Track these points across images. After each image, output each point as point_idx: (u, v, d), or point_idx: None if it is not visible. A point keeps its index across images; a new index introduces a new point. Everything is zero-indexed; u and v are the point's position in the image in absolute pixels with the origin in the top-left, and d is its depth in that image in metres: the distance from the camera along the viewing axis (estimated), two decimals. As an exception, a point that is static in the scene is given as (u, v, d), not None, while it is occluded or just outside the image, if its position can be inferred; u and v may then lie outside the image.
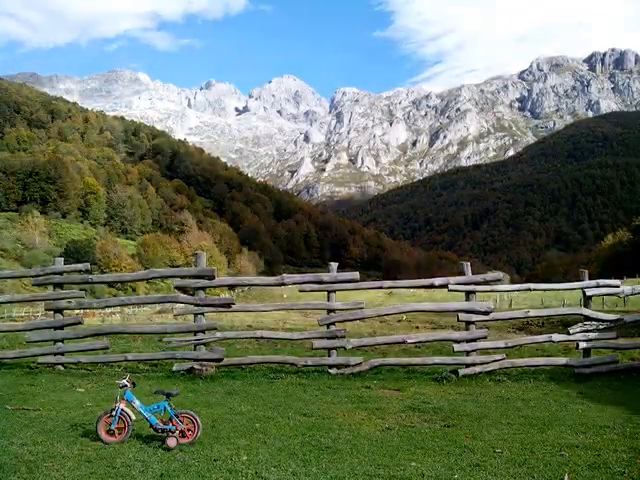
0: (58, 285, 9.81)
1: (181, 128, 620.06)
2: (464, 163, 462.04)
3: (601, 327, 9.72)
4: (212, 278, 9.57)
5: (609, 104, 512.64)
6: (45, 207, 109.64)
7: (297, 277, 10.14)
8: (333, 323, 9.63)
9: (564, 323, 18.85)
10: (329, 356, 9.58)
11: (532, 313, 10.34)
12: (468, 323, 9.59)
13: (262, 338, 11.18)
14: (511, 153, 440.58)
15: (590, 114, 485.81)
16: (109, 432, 5.58)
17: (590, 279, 10.10)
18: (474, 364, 9.37)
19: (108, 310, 37.53)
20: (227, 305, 9.69)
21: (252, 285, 10.96)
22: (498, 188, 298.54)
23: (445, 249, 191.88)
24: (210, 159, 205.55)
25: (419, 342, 10.53)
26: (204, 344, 9.53)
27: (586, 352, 9.66)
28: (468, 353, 9.50)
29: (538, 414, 7.07)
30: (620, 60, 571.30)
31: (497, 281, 10.99)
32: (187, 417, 5.62)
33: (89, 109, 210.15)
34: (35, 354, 9.78)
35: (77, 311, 12.47)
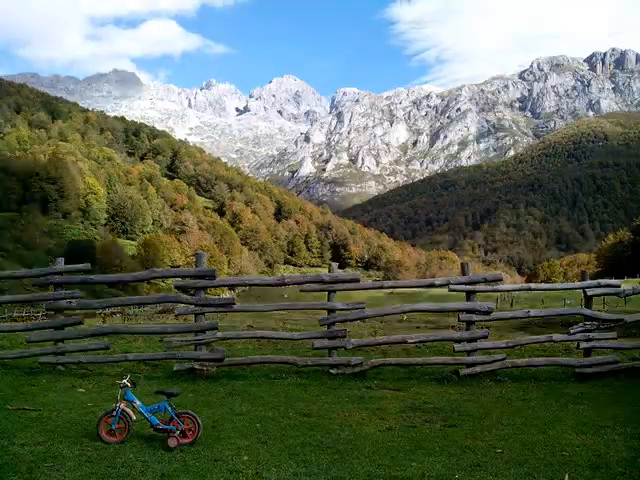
0: (59, 285, 9.81)
1: (181, 128, 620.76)
2: (465, 163, 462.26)
3: (602, 327, 9.71)
4: (213, 278, 9.56)
5: (610, 104, 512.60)
6: (46, 207, 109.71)
7: (298, 277, 10.13)
8: (334, 323, 9.62)
9: (565, 323, 18.84)
10: (330, 356, 9.58)
11: (533, 313, 10.33)
12: (469, 323, 9.58)
13: (262, 338, 11.18)
14: (512, 153, 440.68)
15: (591, 114, 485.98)
16: (110, 432, 5.58)
17: (591, 279, 10.09)
18: (475, 364, 9.36)
19: (109, 310, 37.49)
20: (228, 305, 9.69)
21: (252, 285, 10.95)
22: (499, 188, 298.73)
23: (446, 249, 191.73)
24: (211, 159, 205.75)
25: (420, 342, 10.52)
26: (205, 344, 9.52)
27: (587, 352, 9.64)
28: (469, 353, 9.48)
29: (539, 414, 7.06)
30: (621, 60, 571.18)
31: (498, 281, 11.00)
32: (188, 417, 5.62)
33: (90, 109, 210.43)
34: (36, 354, 9.78)
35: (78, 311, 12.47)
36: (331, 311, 9.60)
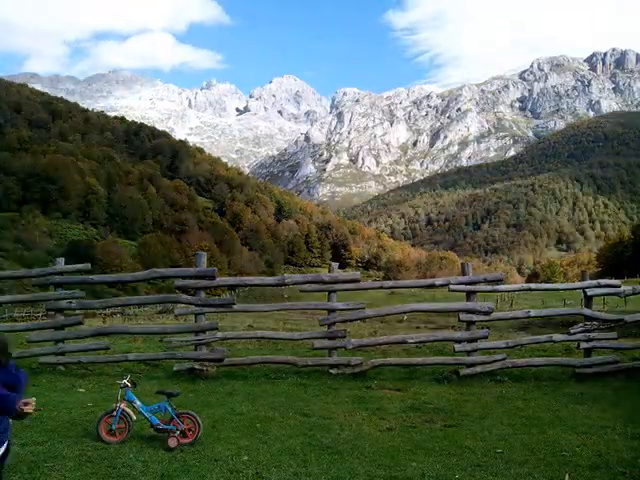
0: (59, 285, 9.81)
1: (182, 128, 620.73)
2: (465, 163, 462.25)
3: (602, 327, 9.71)
4: (213, 278, 9.56)
5: (610, 104, 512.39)
6: (46, 207, 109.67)
7: (298, 277, 10.13)
8: (334, 323, 9.62)
9: (565, 323, 18.84)
10: (330, 356, 9.58)
11: (533, 313, 10.33)
12: (469, 323, 9.58)
13: (263, 338, 11.18)
14: (512, 153, 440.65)
15: (591, 114, 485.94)
16: (110, 432, 5.58)
17: (591, 279, 10.09)
18: (475, 364, 9.35)
19: (109, 310, 37.54)
20: (228, 305, 9.69)
21: (253, 285, 10.95)
22: (499, 188, 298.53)
23: (446, 249, 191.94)
24: (211, 159, 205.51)
25: (420, 342, 10.52)
26: (205, 344, 9.53)
27: (587, 352, 9.64)
28: (469, 353, 9.48)
29: (539, 414, 7.06)
30: (621, 60, 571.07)
31: (498, 281, 11.00)
32: (188, 417, 5.62)
33: (90, 109, 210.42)
34: (36, 354, 9.78)
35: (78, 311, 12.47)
36: (331, 311, 9.60)
